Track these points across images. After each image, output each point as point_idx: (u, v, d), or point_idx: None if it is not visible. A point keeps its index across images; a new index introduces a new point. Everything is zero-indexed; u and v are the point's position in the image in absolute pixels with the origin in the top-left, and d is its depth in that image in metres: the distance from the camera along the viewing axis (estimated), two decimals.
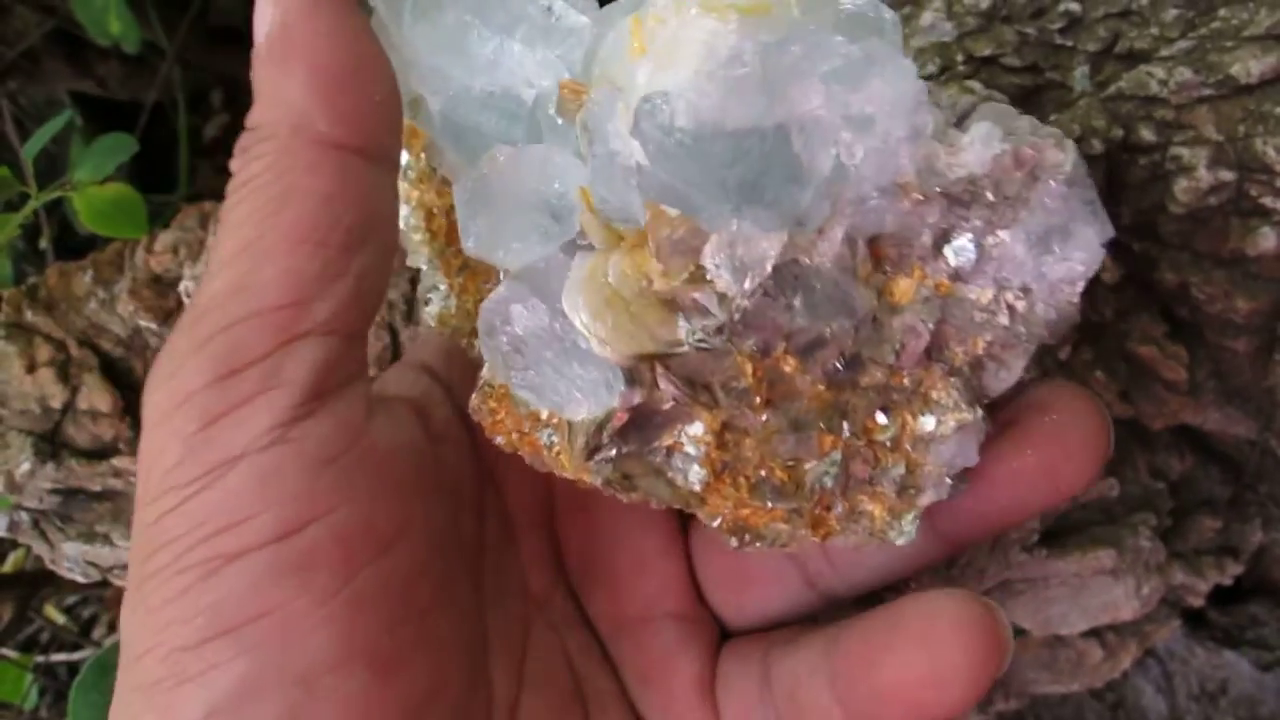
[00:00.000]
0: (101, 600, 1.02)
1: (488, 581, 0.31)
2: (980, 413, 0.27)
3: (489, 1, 0.28)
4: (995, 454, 0.29)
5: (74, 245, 1.02)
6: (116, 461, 0.49)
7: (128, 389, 0.50)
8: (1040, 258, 0.26)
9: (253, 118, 0.27)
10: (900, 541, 0.28)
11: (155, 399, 0.26)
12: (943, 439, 0.27)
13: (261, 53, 0.27)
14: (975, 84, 0.38)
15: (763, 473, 0.27)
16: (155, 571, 0.25)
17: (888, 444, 0.28)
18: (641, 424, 0.27)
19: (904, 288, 0.26)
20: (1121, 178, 0.39)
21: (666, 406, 0.26)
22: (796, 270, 0.25)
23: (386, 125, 0.27)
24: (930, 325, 0.26)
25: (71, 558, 0.50)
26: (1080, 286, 0.27)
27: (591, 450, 0.27)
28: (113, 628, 1.01)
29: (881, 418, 0.27)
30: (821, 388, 0.27)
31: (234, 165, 0.27)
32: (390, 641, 0.25)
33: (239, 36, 1.06)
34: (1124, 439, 0.45)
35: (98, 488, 0.49)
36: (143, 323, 0.48)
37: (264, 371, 0.25)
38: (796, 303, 0.25)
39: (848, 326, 0.26)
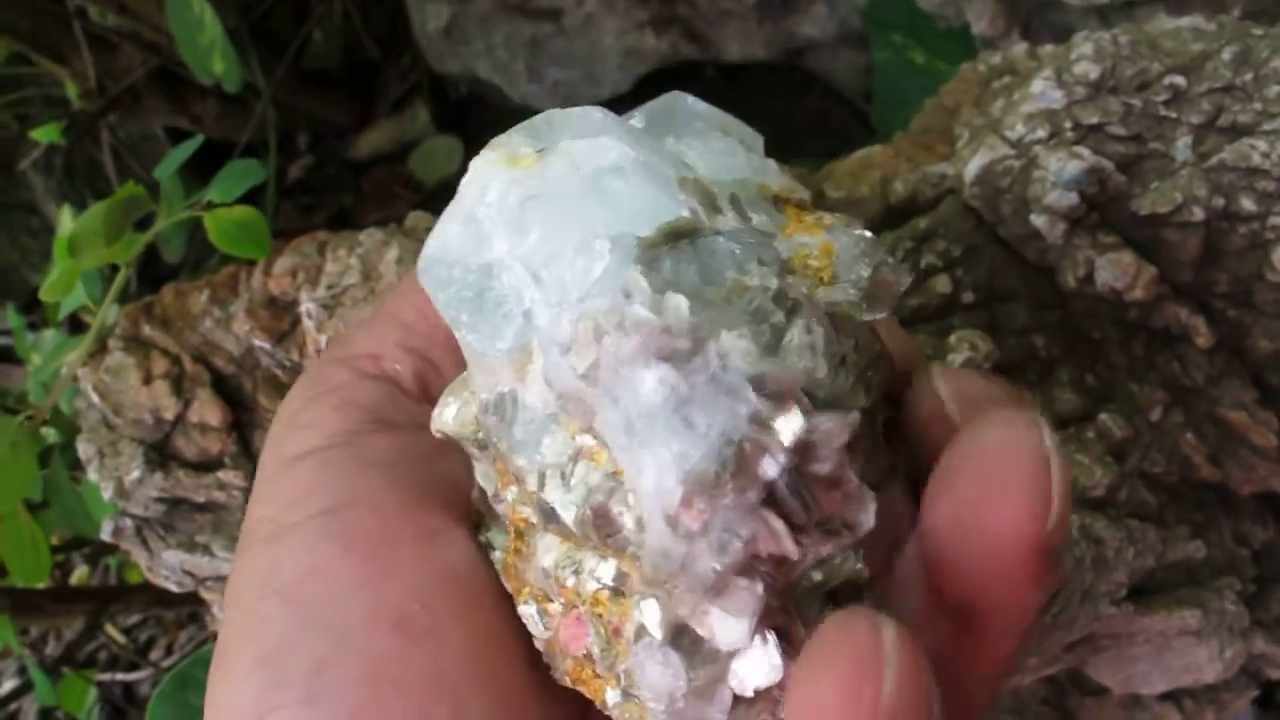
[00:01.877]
0: (161, 623, 1.03)
1: None
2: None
3: None
4: (929, 502, 0.25)
5: (157, 275, 1.06)
6: (221, 474, 0.51)
7: (237, 405, 0.52)
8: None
9: None
10: None
11: (272, 429, 0.31)
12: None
13: None
14: (1083, 149, 0.40)
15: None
16: (241, 550, 0.29)
17: (611, 623, 0.25)
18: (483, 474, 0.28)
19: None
20: (1220, 245, 0.40)
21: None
22: (513, 401, 0.25)
23: None
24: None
25: (170, 565, 0.52)
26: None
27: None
28: (170, 650, 1.03)
29: (607, 591, 0.25)
30: (536, 521, 0.26)
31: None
32: (424, 609, 0.27)
33: (330, 80, 1.10)
34: (1210, 504, 0.46)
35: (201, 499, 0.51)
36: (257, 342, 0.50)
37: (341, 397, 0.30)
38: (510, 429, 0.25)
39: (529, 469, 0.25)
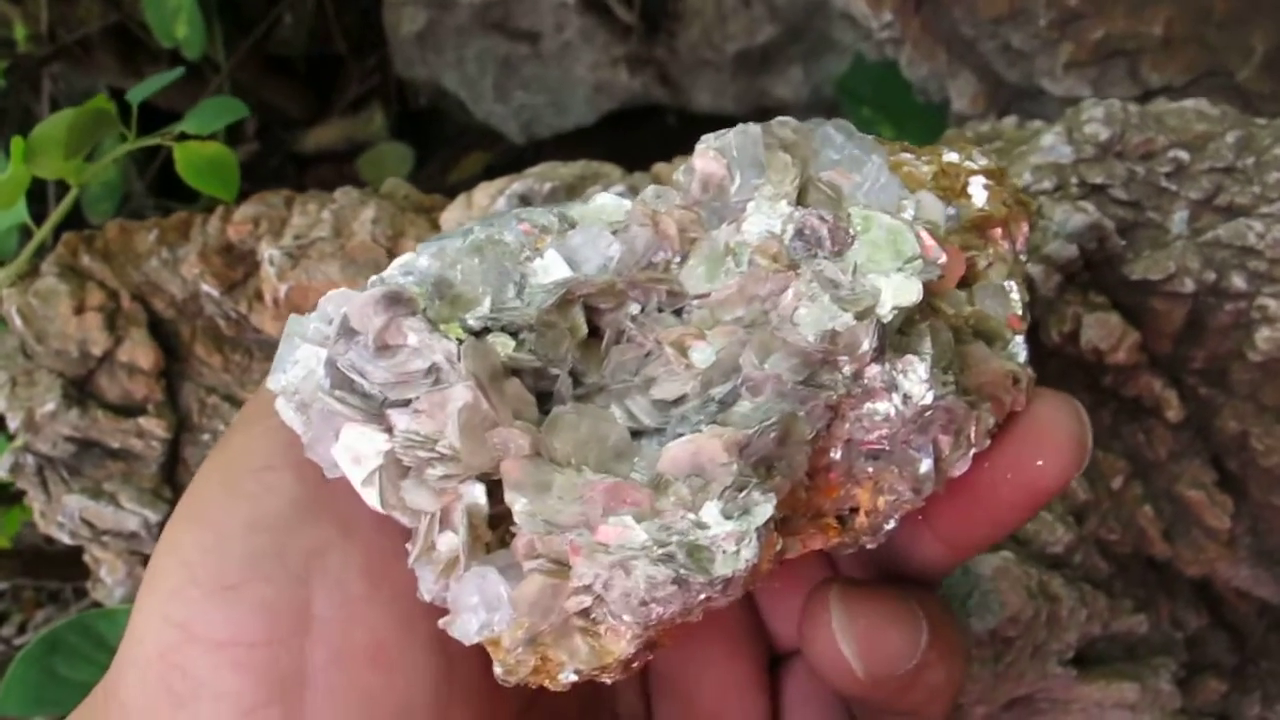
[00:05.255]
0: (19, 599, 0.97)
1: None
2: None
3: None
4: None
5: None
6: (143, 421, 0.48)
7: (170, 353, 0.49)
8: None
9: None
10: None
11: None
12: None
13: None
14: (1088, 204, 0.40)
15: None
16: (251, 419, 0.26)
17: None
18: None
19: None
20: (1204, 320, 0.41)
21: None
22: None
23: None
24: None
25: (68, 513, 0.48)
26: None
27: None
28: (23, 629, 0.96)
29: None
30: None
31: None
32: None
33: (290, 69, 1.07)
34: (1152, 583, 0.46)
35: (116, 445, 0.48)
36: (205, 288, 0.48)
37: None
38: None
39: None
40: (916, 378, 0.25)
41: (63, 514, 0.49)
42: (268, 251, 0.45)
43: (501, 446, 0.23)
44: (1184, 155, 0.41)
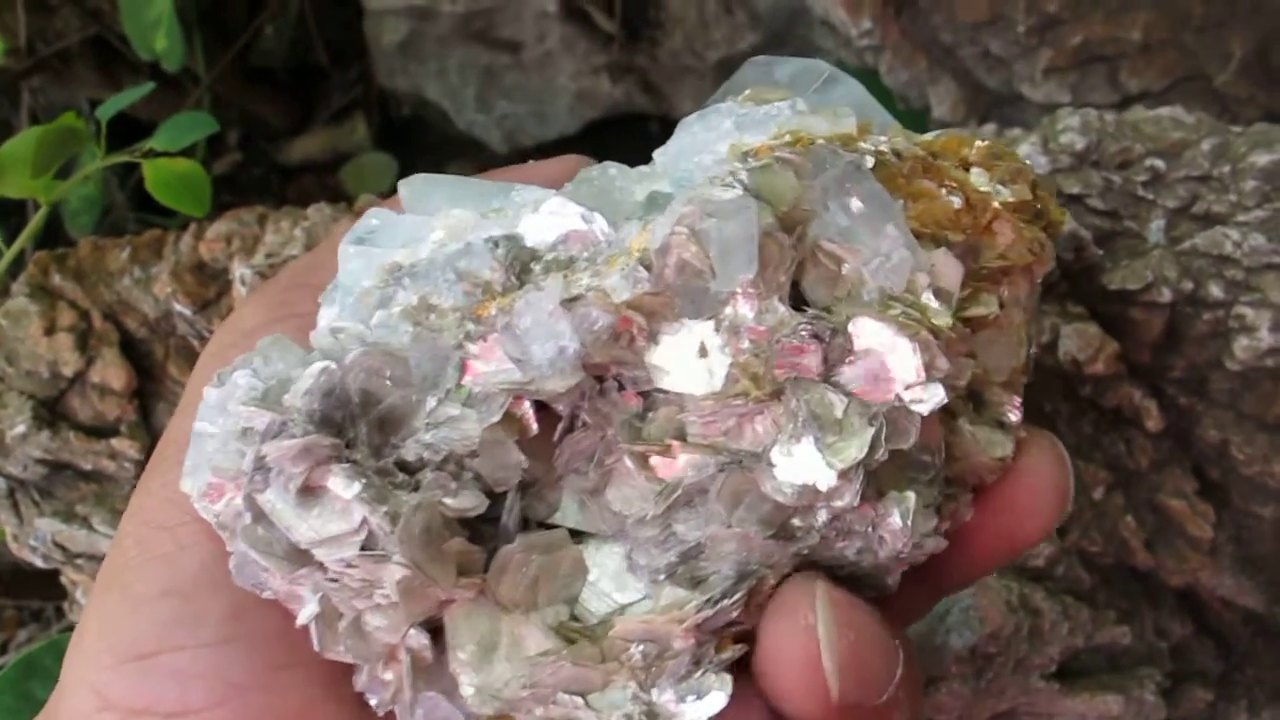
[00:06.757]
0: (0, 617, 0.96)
1: None
2: None
3: None
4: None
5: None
6: (115, 443, 0.47)
7: (143, 372, 0.48)
8: None
9: None
10: None
11: (216, 337, 0.28)
12: None
13: None
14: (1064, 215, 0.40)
15: None
16: (164, 460, 0.26)
17: None
18: None
19: None
20: (1182, 329, 0.41)
21: None
22: None
23: None
24: None
25: (40, 536, 0.48)
26: None
27: None
28: (4, 649, 0.95)
29: None
30: None
31: None
32: None
33: (272, 80, 1.07)
34: (1136, 593, 0.45)
35: (88, 466, 0.47)
36: (178, 307, 0.47)
37: (304, 325, 0.27)
38: None
39: None
40: (897, 526, 0.22)
41: (35, 537, 0.48)
42: (239, 270, 0.44)
43: (445, 596, 0.22)
44: (1160, 164, 0.41)
